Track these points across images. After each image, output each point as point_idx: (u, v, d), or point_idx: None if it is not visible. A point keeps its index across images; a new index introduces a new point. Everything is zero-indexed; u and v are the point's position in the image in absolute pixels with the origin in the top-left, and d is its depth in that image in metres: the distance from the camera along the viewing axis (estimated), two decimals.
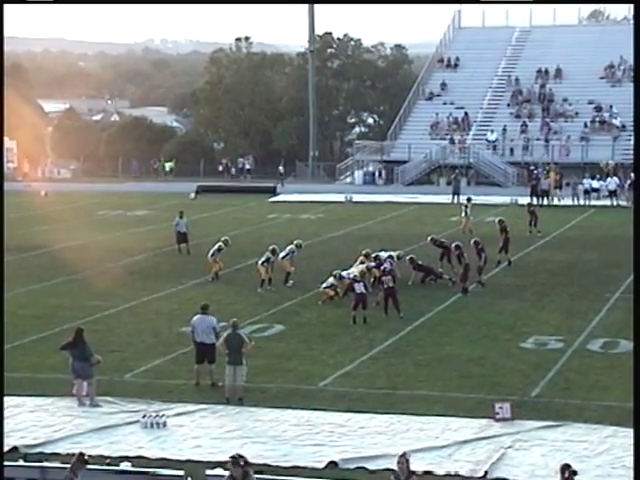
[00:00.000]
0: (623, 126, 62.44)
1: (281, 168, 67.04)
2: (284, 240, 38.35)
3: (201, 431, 17.49)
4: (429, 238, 32.45)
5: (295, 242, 31.43)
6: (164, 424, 17.58)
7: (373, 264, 28.79)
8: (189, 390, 19.78)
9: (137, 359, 22.04)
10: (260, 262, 29.89)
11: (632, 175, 53.25)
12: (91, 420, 18.01)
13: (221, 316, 22.09)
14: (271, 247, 30.52)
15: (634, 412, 15.26)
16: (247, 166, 72.89)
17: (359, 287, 25.66)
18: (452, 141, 63.44)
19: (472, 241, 29.90)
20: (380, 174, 64.40)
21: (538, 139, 62.60)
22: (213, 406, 18.70)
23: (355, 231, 42.46)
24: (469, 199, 42.30)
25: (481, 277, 29.39)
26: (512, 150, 62.68)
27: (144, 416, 17.78)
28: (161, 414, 17.85)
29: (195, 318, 20.54)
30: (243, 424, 17.81)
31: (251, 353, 19.62)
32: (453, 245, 29.82)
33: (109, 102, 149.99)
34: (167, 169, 72.71)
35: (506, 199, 52.44)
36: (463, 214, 40.94)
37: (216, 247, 31.84)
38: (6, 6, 21.79)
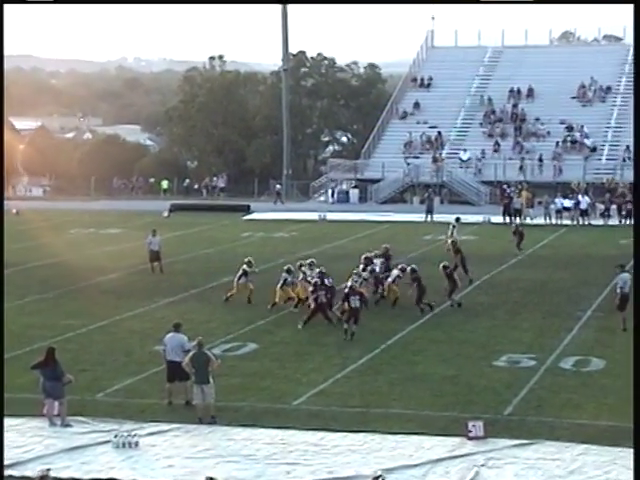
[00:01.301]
0: (594, 148, 62.91)
1: (278, 186, 67.05)
2: (258, 259, 38.35)
3: (174, 451, 17.39)
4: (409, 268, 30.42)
5: (308, 261, 30.73)
6: (136, 444, 17.47)
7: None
8: (162, 409, 19.67)
9: (109, 378, 21.90)
10: (279, 286, 29.19)
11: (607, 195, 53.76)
12: (62, 440, 17.86)
13: (195, 335, 21.97)
14: (286, 267, 29.77)
15: (634, 411, 15.30)
16: (221, 184, 72.91)
17: (354, 301, 25.64)
18: (434, 159, 63.69)
19: (409, 268, 29.38)
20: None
21: (511, 158, 62.96)
22: (186, 425, 18.60)
23: (329, 249, 42.48)
24: (458, 219, 42.17)
25: (452, 298, 29.23)
26: (481, 169, 62.92)
27: (116, 436, 17.66)
28: (133, 434, 17.74)
29: (167, 336, 20.47)
30: (216, 443, 17.73)
31: (218, 371, 19.53)
32: (409, 269, 29.45)
33: (81, 120, 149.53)
34: (164, 187, 72.76)
35: (479, 218, 52.67)
36: (450, 233, 40.39)
37: (240, 272, 30.59)
38: None
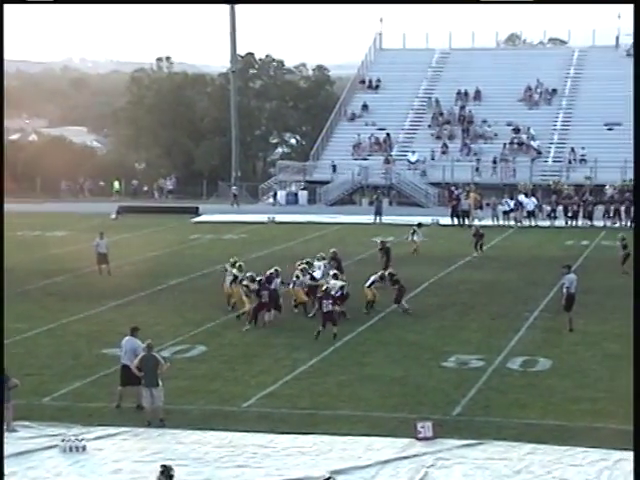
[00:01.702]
0: (539, 152, 63.53)
1: (234, 188, 66.79)
2: (207, 261, 38.25)
3: (122, 455, 17.26)
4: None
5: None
6: (84, 448, 17.32)
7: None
8: (110, 413, 19.52)
9: (56, 382, 21.69)
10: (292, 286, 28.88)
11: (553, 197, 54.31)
12: (8, 445, 17.59)
13: (143, 337, 21.84)
14: (301, 265, 29.54)
15: (634, 411, 15.41)
16: (169, 186, 72.56)
17: (326, 305, 25.78)
18: (387, 161, 63.93)
19: (387, 273, 29.45)
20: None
21: (458, 160, 63.38)
22: (134, 429, 18.48)
23: (278, 251, 42.46)
24: (420, 224, 42.73)
25: (401, 304, 29.12)
26: (426, 171, 63.24)
27: (63, 440, 17.49)
28: (81, 438, 17.58)
29: (124, 340, 20.36)
30: (165, 447, 17.64)
31: (167, 374, 19.44)
32: (387, 273, 29.46)
33: (27, 121, 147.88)
34: (116, 188, 72.19)
35: (427, 219, 52.90)
36: (415, 237, 41.11)
37: (231, 277, 29.73)
38: None
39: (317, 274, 29.78)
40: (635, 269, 23.21)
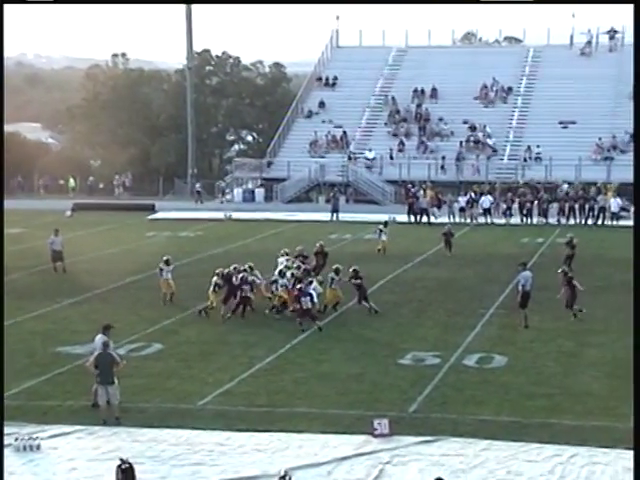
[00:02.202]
0: (495, 150, 63.91)
1: (198, 186, 66.43)
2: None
3: (77, 453, 17.14)
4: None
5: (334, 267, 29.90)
6: (38, 447, 17.17)
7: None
8: (65, 411, 19.37)
9: (10, 380, 21.42)
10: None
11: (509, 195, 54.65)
12: None
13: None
14: (332, 271, 28.98)
15: (634, 411, 15.50)
16: (125, 183, 72.11)
17: (305, 302, 25.97)
18: (349, 157, 64.01)
19: (351, 269, 28.87)
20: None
21: (415, 158, 63.59)
22: (89, 427, 18.35)
23: (234, 249, 42.34)
24: (386, 223, 42.21)
25: (364, 304, 28.98)
26: (383, 169, 63.43)
27: (16, 439, 17.32)
28: (35, 437, 17.43)
29: (96, 338, 20.24)
30: (120, 445, 17.53)
31: (122, 372, 19.33)
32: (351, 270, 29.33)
33: None
34: (72, 186, 71.51)
35: (384, 217, 53.00)
36: (383, 237, 40.69)
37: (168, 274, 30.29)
38: None
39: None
40: (635, 269, 23.39)
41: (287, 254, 31.70)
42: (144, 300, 30.56)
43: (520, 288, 27.14)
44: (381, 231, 40.94)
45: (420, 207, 52.96)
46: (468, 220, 52.20)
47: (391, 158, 64.03)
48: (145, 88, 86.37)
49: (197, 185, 66.66)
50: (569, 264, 34.87)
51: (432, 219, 52.88)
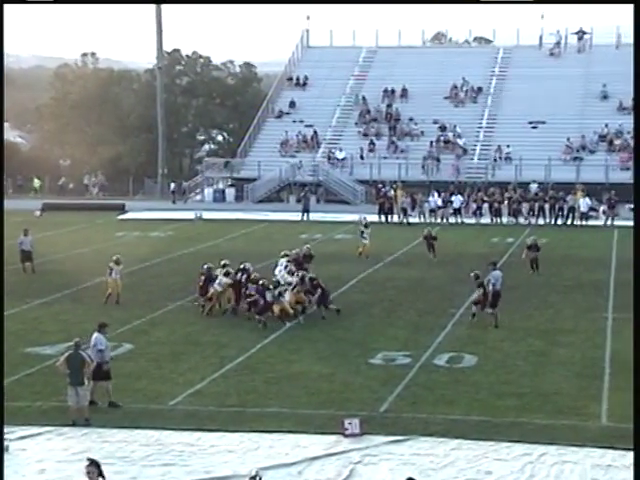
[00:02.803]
0: (465, 150, 64.14)
1: (173, 185, 66.11)
2: (133, 259, 37.92)
3: (46, 454, 17.03)
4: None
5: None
6: (6, 448, 17.04)
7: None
8: (34, 412, 19.25)
9: None
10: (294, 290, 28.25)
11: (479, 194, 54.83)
12: None
13: (68, 336, 21.66)
14: (302, 274, 28.76)
15: (634, 411, 15.55)
16: (102, 183, 71.80)
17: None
18: (329, 157, 64.04)
19: (307, 278, 28.51)
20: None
21: (385, 157, 63.71)
22: (59, 428, 18.24)
23: (205, 249, 42.25)
24: (367, 225, 40.38)
25: (329, 308, 28.61)
26: (351, 168, 63.50)
27: None
28: (3, 438, 17.28)
29: (93, 336, 20.22)
30: (90, 446, 17.43)
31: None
32: (307, 277, 28.72)
33: None
34: (35, 186, 71.03)
35: (355, 217, 53.09)
36: (364, 239, 39.39)
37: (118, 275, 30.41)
38: None
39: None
40: (635, 269, 23.50)
41: (287, 255, 31.37)
42: (115, 300, 30.39)
43: (490, 287, 27.25)
44: (362, 232, 39.77)
45: (402, 207, 52.89)
46: (440, 220, 52.35)
47: (362, 158, 64.12)
48: (115, 88, 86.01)
49: (172, 185, 66.39)
50: (535, 266, 35.01)
51: (411, 219, 53.07)
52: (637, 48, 29.03)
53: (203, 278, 28.66)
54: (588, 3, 77.22)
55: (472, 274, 27.77)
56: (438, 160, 62.90)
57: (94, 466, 12.91)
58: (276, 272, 29.93)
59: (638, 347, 17.90)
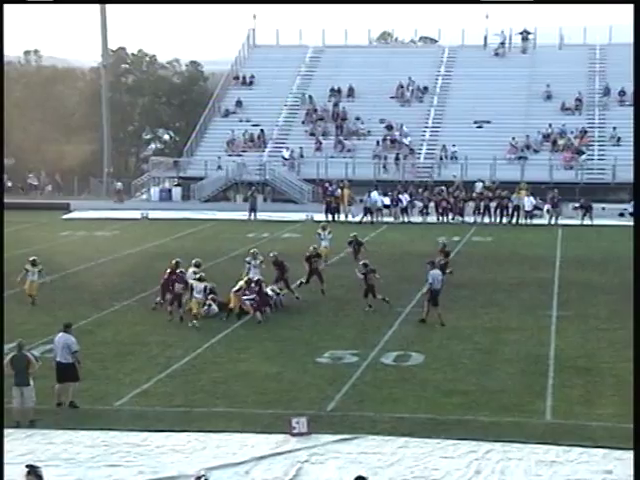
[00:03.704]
0: (412, 149, 64.41)
1: (119, 184, 65.46)
2: (78, 258, 37.62)
3: None
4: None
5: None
6: None
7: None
8: None
9: None
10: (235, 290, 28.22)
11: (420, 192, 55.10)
12: None
13: (12, 336, 21.37)
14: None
15: (634, 411, 15.64)
16: (38, 182, 71.04)
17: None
18: (291, 156, 63.96)
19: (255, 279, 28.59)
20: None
21: (332, 156, 63.79)
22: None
23: (151, 248, 42.01)
24: (324, 227, 38.56)
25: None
26: (298, 167, 63.52)
27: None
28: None
29: (57, 336, 20.06)
30: (34, 447, 17.25)
31: (38, 374, 19.04)
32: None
33: None
34: None
35: (302, 215, 53.21)
36: (324, 243, 37.33)
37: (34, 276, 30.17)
38: None
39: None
40: (635, 269, 23.69)
41: (255, 255, 30.93)
42: (59, 301, 30.14)
43: (428, 286, 27.43)
44: (319, 234, 37.78)
45: (376, 207, 52.74)
46: (388, 219, 52.49)
47: (301, 156, 64.03)
48: (59, 86, 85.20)
49: (118, 184, 65.85)
50: (444, 269, 33.62)
51: (350, 217, 53.20)
52: (637, 48, 29.21)
53: (169, 271, 28.32)
54: (587, 3, 77.76)
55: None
56: (384, 158, 63.17)
57: (34, 475, 12.63)
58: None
59: (638, 347, 18.09)
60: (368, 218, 52.16)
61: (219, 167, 63.16)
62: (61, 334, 20.07)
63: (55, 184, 70.92)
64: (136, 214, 54.72)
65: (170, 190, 64.87)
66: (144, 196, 65.92)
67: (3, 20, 20.93)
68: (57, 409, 19.30)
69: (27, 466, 12.80)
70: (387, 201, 53.90)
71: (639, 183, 35.54)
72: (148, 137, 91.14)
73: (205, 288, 27.60)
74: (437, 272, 27.76)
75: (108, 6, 72.14)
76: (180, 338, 25.32)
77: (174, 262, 28.91)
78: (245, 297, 27.59)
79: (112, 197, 64.74)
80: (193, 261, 30.15)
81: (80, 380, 19.76)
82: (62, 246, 42.80)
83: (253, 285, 27.92)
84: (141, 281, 32.81)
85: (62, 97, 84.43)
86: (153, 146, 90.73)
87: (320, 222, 46.13)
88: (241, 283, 28.30)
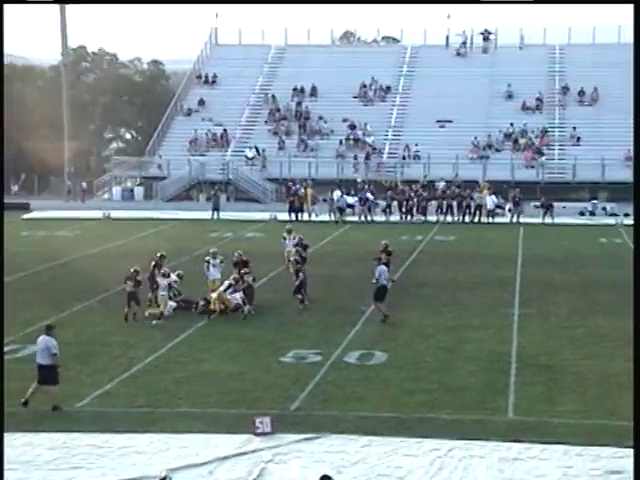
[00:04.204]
0: (375, 148, 64.52)
1: (84, 184, 64.88)
2: (38, 259, 37.30)
3: None
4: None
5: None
6: None
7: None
8: None
9: None
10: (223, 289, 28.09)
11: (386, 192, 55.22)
12: None
13: None
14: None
15: (634, 411, 15.61)
16: (21, 180, 70.57)
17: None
18: (258, 153, 63.80)
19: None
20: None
21: (295, 156, 63.78)
22: None
23: (114, 248, 41.75)
24: (289, 231, 36.53)
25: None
26: (267, 166, 63.48)
27: None
28: None
29: (39, 339, 19.83)
30: None
31: None
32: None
33: None
34: None
35: (265, 215, 53.14)
36: (288, 246, 35.35)
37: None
38: None
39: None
40: (635, 269, 23.77)
41: (214, 255, 30.44)
42: (18, 301, 29.81)
43: (374, 281, 27.55)
44: (285, 239, 36.11)
45: (338, 206, 52.70)
46: (353, 218, 52.48)
47: (259, 154, 63.94)
48: (18, 84, 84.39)
49: (84, 184, 65.33)
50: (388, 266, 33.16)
51: (313, 217, 53.21)
52: (637, 48, 29.32)
53: (153, 264, 28.17)
54: (587, 3, 78.03)
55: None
56: (357, 157, 63.21)
57: None
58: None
59: (638, 347, 18.17)
60: (339, 217, 52.15)
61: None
62: (42, 336, 19.83)
63: (22, 184, 70.39)
64: (98, 214, 54.38)
65: (132, 190, 64.58)
66: (106, 195, 65.54)
67: (3, 20, 20.73)
68: (15, 410, 19.08)
69: None
70: (351, 200, 53.97)
71: (639, 183, 35.77)
72: (110, 136, 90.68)
73: (169, 285, 27.58)
74: (383, 268, 27.95)
75: (68, 4, 71.59)
76: (142, 338, 25.16)
77: (159, 255, 28.87)
78: (233, 294, 27.76)
79: (77, 197, 64.24)
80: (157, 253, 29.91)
81: (58, 384, 19.47)
82: (22, 246, 42.41)
83: (240, 282, 28.04)
84: (103, 281, 32.55)
85: (21, 95, 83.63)
86: (115, 145, 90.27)
87: (285, 222, 46.22)
88: (227, 282, 28.40)
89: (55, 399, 19.31)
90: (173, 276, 28.61)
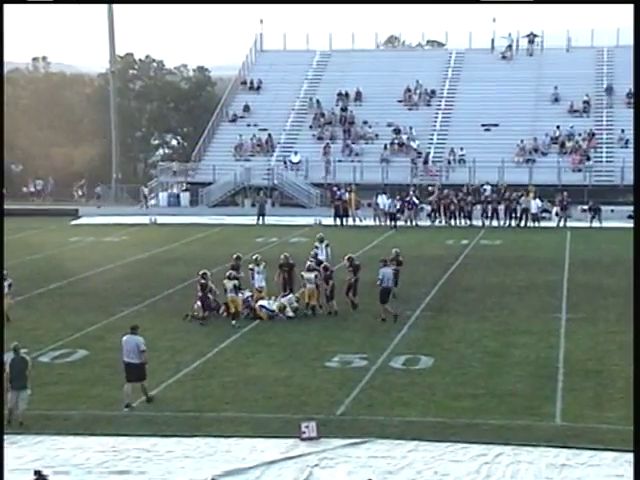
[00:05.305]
0: (419, 153, 64.33)
1: (145, 190, 65.41)
2: (87, 264, 37.66)
3: None
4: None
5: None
6: None
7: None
8: None
9: None
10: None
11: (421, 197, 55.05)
12: None
13: (22, 343, 21.38)
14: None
15: (634, 411, 15.61)
16: (44, 187, 71.12)
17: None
18: (284, 162, 63.97)
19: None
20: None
21: (340, 160, 63.81)
22: (11, 436, 18.00)
23: (160, 253, 42.05)
24: (321, 239, 34.76)
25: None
26: (307, 171, 63.51)
27: None
28: None
29: (124, 338, 20.37)
30: (44, 453, 17.27)
31: (47, 380, 19.16)
32: (322, 267, 29.58)
33: None
34: None
35: (310, 220, 53.23)
36: (321, 255, 33.47)
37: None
38: None
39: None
40: (635, 269, 23.66)
41: (257, 262, 30.50)
42: (68, 306, 30.18)
43: (378, 283, 27.66)
44: (317, 247, 34.23)
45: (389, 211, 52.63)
46: (400, 223, 52.36)
47: (304, 159, 64.02)
48: (67, 92, 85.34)
49: (145, 190, 65.61)
50: (395, 281, 32.71)
51: (357, 221, 53.20)
52: (637, 48, 29.15)
53: (203, 282, 28.13)
54: (589, 3, 77.74)
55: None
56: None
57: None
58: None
59: (638, 347, 18.06)
60: (392, 223, 52.04)
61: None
62: (128, 336, 20.42)
63: (68, 192, 70.94)
64: (145, 219, 54.80)
65: (178, 195, 64.96)
66: (153, 201, 65.96)
67: (3, 20, 20.95)
68: (67, 414, 19.30)
69: (35, 472, 12.86)
70: (397, 205, 53.84)
71: (639, 183, 35.49)
72: (156, 143, 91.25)
73: (234, 286, 27.76)
74: (388, 270, 28.07)
75: (116, 12, 72.27)
76: (189, 343, 25.34)
77: (234, 257, 29.89)
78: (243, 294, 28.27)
79: (140, 202, 64.34)
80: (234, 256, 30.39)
81: (146, 379, 20.11)
82: (71, 252, 42.88)
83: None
84: (150, 286, 32.83)
85: (70, 103, 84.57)
86: (161, 151, 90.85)
87: (330, 227, 46.21)
88: (232, 284, 28.07)
89: (147, 391, 20.09)
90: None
